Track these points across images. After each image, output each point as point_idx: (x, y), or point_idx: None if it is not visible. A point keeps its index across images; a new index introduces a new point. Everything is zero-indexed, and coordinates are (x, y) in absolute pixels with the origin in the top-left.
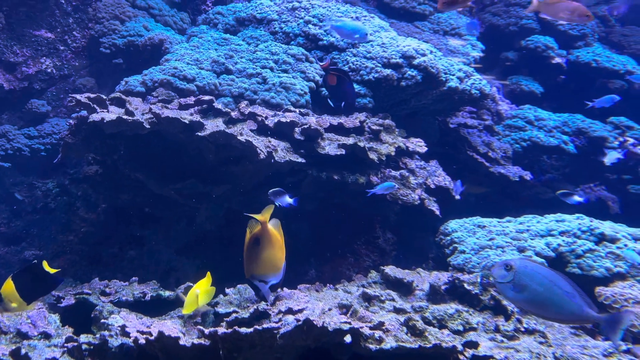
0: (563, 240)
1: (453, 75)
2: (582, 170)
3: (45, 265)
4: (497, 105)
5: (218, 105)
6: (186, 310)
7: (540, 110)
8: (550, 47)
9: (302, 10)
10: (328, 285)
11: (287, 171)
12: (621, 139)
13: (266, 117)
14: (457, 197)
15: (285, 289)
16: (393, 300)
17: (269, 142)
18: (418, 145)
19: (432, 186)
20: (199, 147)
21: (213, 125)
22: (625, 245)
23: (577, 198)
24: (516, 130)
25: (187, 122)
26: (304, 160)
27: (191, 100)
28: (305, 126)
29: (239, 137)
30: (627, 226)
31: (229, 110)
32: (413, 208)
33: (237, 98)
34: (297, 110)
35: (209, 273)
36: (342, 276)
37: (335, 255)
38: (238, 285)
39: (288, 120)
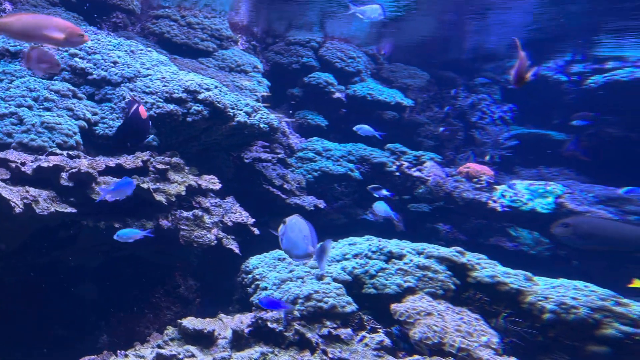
0: (357, 263)
1: (241, 110)
2: (368, 194)
3: None
4: (288, 139)
5: None
6: None
7: (327, 142)
8: (330, 83)
9: None
10: (118, 352)
11: (58, 224)
12: (398, 163)
13: (23, 163)
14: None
15: None
16: (193, 356)
17: (27, 192)
18: (212, 182)
19: (230, 223)
20: None
21: None
22: (411, 261)
23: (384, 192)
24: (307, 161)
25: None
26: (75, 210)
27: None
28: (75, 170)
29: None
30: (411, 241)
31: None
32: (214, 249)
33: None
34: (65, 152)
35: None
36: (140, 336)
37: (130, 313)
38: None
39: (51, 165)
